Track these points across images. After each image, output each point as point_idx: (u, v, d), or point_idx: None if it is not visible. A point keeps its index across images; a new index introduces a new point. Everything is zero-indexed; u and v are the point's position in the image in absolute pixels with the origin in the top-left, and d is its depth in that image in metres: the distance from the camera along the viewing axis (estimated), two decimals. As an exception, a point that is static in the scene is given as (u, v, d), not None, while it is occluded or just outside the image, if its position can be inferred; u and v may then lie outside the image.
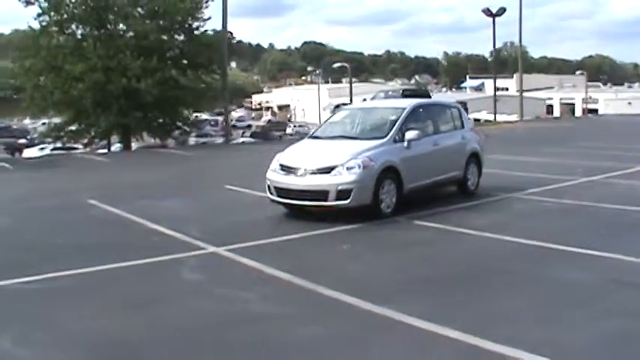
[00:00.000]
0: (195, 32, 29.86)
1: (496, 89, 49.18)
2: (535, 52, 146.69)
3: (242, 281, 7.35)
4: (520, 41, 48.31)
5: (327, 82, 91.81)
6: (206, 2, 29.74)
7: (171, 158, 24.63)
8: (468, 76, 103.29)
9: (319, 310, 6.39)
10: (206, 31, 30.32)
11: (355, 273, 7.67)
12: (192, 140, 42.84)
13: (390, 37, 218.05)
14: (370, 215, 10.32)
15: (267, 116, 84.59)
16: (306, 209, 10.76)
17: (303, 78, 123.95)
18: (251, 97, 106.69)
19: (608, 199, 12.06)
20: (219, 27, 30.73)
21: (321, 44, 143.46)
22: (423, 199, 11.43)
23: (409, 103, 12.08)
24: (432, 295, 6.73)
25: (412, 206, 10.96)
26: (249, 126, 71.85)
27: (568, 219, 10.58)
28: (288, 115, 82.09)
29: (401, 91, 32.17)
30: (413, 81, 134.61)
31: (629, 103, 62.02)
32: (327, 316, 6.18)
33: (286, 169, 10.75)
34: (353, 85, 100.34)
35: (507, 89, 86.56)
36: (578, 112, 77.53)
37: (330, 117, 12.44)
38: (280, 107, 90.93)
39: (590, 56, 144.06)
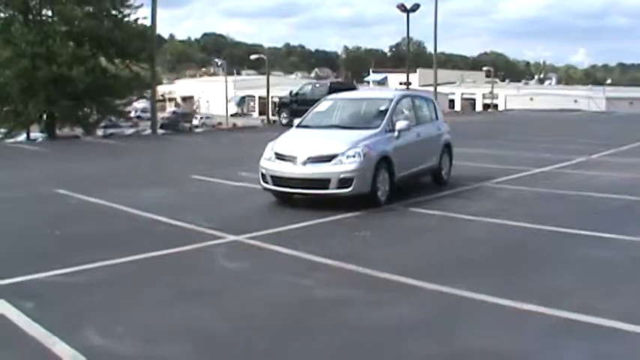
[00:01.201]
0: (125, 20, 28.98)
1: (408, 83, 50.26)
2: (433, 48, 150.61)
3: (290, 268, 7.32)
4: (435, 37, 49.48)
5: (232, 74, 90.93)
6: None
7: (109, 149, 23.66)
8: (371, 70, 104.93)
9: (388, 292, 6.49)
10: (137, 19, 29.50)
11: (392, 257, 7.80)
12: (99, 131, 41.40)
13: (289, 30, 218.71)
14: (366, 203, 10.44)
15: (171, 107, 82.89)
16: (294, 197, 10.86)
17: (204, 69, 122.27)
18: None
19: (575, 187, 12.79)
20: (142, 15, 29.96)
21: (221, 36, 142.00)
22: (402, 189, 11.59)
23: (394, 94, 12.32)
24: (486, 275, 6.98)
25: (399, 195, 11.15)
26: (130, 117, 69.73)
27: (555, 205, 11.12)
28: (194, 107, 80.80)
29: (328, 84, 32.69)
30: (313, 74, 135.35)
31: (531, 99, 65.03)
32: (401, 298, 6.29)
33: (283, 158, 10.70)
34: (256, 77, 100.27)
35: (411, 83, 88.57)
36: (479, 107, 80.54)
37: (315, 107, 12.45)
38: (184, 99, 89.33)
39: (486, 53, 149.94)
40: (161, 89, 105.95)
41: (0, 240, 8.73)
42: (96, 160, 19.16)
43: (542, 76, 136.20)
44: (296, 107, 32.19)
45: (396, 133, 11.25)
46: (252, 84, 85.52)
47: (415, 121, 12.08)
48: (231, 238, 8.61)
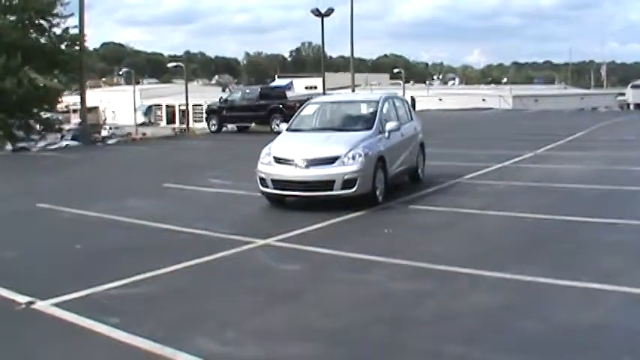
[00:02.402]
0: (53, 30, 28.00)
1: (325, 88, 50.71)
2: (332, 52, 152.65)
3: (345, 266, 7.50)
4: (352, 41, 50.28)
5: (137, 83, 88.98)
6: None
7: (53, 161, 22.63)
8: (276, 76, 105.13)
9: (456, 281, 6.81)
10: (67, 28, 28.48)
11: (433, 250, 8.10)
12: (8, 146, 39.54)
13: (188, 38, 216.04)
14: (364, 203, 10.66)
15: (76, 119, 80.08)
16: (286, 201, 11.09)
17: (104, 79, 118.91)
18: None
19: (545, 179, 13.58)
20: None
21: (120, 45, 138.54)
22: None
23: (379, 96, 12.64)
24: (532, 261, 7.39)
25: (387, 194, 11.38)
26: (61, 129, 67.42)
27: (543, 196, 11.77)
28: (104, 118, 78.53)
29: (259, 90, 32.71)
30: (214, 81, 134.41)
31: (440, 99, 67.00)
32: (472, 286, 6.63)
33: (283, 161, 10.79)
34: (162, 86, 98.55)
35: (316, 87, 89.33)
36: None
37: (301, 111, 12.58)
38: (89, 109, 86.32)
39: (385, 55, 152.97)
40: (65, 100, 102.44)
41: (23, 256, 8.38)
42: (47, 173, 18.38)
43: (441, 76, 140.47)
44: (226, 114, 32.04)
45: (386, 134, 11.58)
46: (157, 93, 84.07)
47: (398, 122, 12.42)
48: (261, 242, 8.65)
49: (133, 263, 7.71)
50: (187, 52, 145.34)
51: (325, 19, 45.34)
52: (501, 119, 41.09)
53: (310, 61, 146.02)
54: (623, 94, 75.02)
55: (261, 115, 30.44)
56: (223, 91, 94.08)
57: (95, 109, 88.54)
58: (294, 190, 10.69)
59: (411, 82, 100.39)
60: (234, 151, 23.29)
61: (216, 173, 16.05)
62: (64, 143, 45.90)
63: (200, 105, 70.66)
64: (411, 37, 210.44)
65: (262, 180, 10.98)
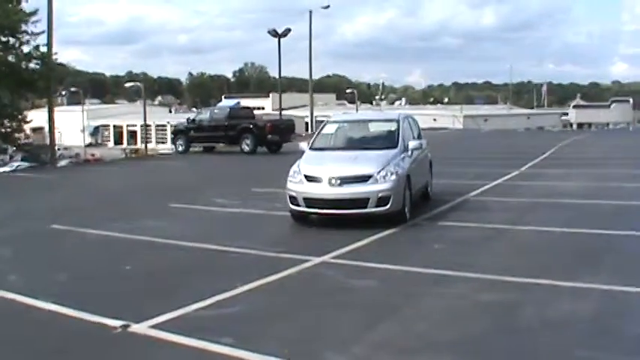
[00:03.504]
0: (23, 48, 27.38)
1: (281, 108, 50.81)
2: (275, 72, 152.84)
3: (419, 281, 7.66)
4: (310, 61, 50.64)
5: (79, 103, 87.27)
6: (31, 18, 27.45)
7: (32, 183, 22.04)
8: (223, 96, 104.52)
9: (537, 292, 7.03)
10: (38, 46, 27.88)
11: (494, 263, 8.33)
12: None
13: (130, 58, 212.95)
14: (395, 220, 10.78)
15: (21, 140, 77.90)
16: (310, 219, 11.20)
17: (45, 100, 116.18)
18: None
19: (548, 195, 14.04)
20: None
21: (61, 64, 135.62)
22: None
23: (396, 115, 12.84)
24: (595, 271, 7.71)
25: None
26: (6, 149, 65.52)
27: (559, 212, 12.13)
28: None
29: (228, 110, 32.60)
30: (157, 101, 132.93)
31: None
32: (556, 295, 6.85)
33: (315, 180, 10.83)
34: (110, 106, 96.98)
35: (264, 108, 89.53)
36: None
37: (321, 130, 12.65)
38: (34, 129, 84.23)
39: (328, 76, 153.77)
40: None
41: (77, 278, 8.17)
42: (34, 195, 17.87)
43: (383, 96, 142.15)
44: (194, 134, 31.76)
45: (409, 152, 11.75)
46: (104, 113, 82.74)
47: (420, 141, 12.63)
48: (317, 259, 8.67)
49: (201, 284, 7.66)
50: (130, 72, 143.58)
51: (267, 40, 45.44)
52: (463, 138, 42.01)
53: (254, 81, 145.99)
54: (567, 114, 77.62)
55: (231, 136, 30.30)
56: (170, 112, 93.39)
57: (40, 129, 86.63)
58: (327, 208, 10.74)
59: (359, 102, 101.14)
60: (217, 171, 23.16)
61: (214, 193, 15.94)
62: (14, 164, 44.65)
63: (149, 125, 69.97)
64: (353, 57, 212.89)
65: (293, 198, 10.99)
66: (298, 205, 10.97)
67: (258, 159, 28.06)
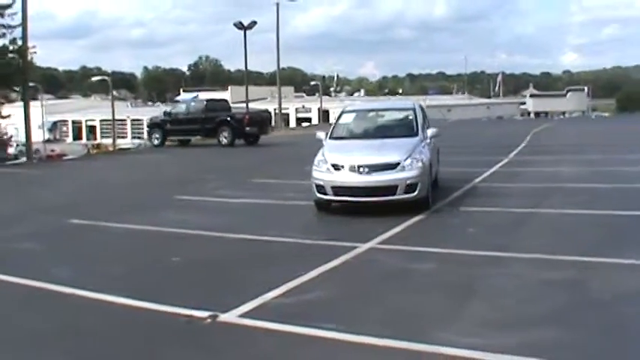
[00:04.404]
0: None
1: (247, 100, 50.56)
2: (230, 65, 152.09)
3: (478, 262, 7.85)
4: (278, 53, 50.53)
5: (34, 99, 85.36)
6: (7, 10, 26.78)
7: (20, 178, 21.59)
8: (182, 90, 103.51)
9: (594, 269, 7.30)
10: (15, 39, 27.18)
11: (537, 244, 8.54)
12: None
13: (84, 52, 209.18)
14: (419, 207, 10.97)
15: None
16: (332, 206, 11.30)
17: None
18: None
19: (554, 180, 14.47)
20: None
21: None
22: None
23: (411, 104, 13.03)
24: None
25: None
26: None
27: (574, 196, 12.50)
28: (8, 135, 74.70)
29: (204, 102, 32.44)
30: (111, 96, 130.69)
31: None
32: (616, 271, 7.16)
33: (344, 168, 10.94)
34: (66, 101, 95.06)
35: (226, 101, 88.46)
36: (292, 123, 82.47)
37: (338, 119, 12.75)
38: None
39: (283, 68, 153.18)
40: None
41: (134, 272, 8.13)
42: (30, 190, 17.58)
43: (339, 88, 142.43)
44: (170, 127, 31.53)
45: (428, 140, 11.94)
46: (61, 108, 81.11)
47: (437, 129, 12.84)
48: (365, 245, 8.79)
49: (263, 273, 7.72)
50: (84, 67, 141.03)
51: (221, 33, 45.21)
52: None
53: (209, 74, 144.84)
54: (524, 103, 79.12)
55: (208, 128, 30.19)
56: (128, 106, 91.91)
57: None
58: (356, 196, 10.85)
59: (317, 94, 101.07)
60: (204, 164, 23.05)
61: (214, 185, 15.99)
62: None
63: (108, 120, 68.96)
64: (306, 49, 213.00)
65: (320, 187, 11.07)
66: (326, 194, 11.06)
67: (238, 151, 28.00)
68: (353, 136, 12.25)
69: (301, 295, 6.77)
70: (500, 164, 18.07)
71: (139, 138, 61.02)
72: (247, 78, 52.35)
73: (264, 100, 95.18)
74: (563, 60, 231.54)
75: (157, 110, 71.56)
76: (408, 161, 10.90)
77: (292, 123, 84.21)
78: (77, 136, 74.94)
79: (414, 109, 12.55)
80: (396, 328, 5.60)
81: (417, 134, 11.86)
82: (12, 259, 8.99)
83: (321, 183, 11.08)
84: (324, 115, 73.11)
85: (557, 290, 6.57)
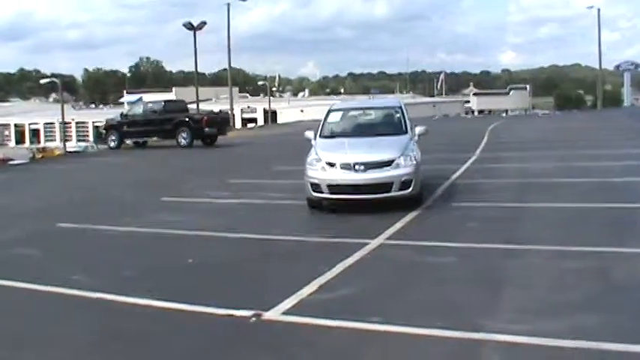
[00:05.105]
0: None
1: (198, 101, 50.19)
2: (171, 67, 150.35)
3: (494, 255, 8.14)
4: (229, 55, 50.20)
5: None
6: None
7: None
8: (125, 92, 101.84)
9: (610, 258, 7.63)
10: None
11: (545, 236, 8.90)
12: None
13: (20, 55, 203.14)
14: (411, 203, 11.20)
15: None
16: (323, 204, 11.40)
17: None
18: None
19: (530, 176, 14.94)
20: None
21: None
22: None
23: (396, 102, 13.27)
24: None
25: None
26: None
27: (557, 190, 12.88)
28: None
29: (163, 103, 32.09)
30: (51, 99, 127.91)
31: (302, 111, 68.30)
32: (634, 261, 7.49)
33: (340, 166, 11.08)
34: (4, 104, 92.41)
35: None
36: (238, 123, 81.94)
37: (326, 118, 12.83)
38: None
39: (225, 69, 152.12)
40: None
41: (152, 273, 8.06)
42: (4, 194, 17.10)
43: (281, 88, 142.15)
44: (127, 129, 31.10)
45: (416, 137, 12.18)
46: (2, 112, 79.05)
47: (425, 127, 13.04)
48: (374, 242, 8.94)
49: (286, 271, 7.87)
50: (21, 69, 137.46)
51: (160, 34, 44.94)
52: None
53: (150, 76, 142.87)
54: (468, 102, 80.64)
55: (167, 129, 29.90)
56: (73, 108, 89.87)
57: None
58: (352, 194, 10.99)
59: (262, 94, 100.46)
60: (172, 165, 22.82)
61: (193, 185, 16.02)
62: None
63: (52, 123, 67.39)
64: (247, 50, 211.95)
65: (315, 185, 11.16)
66: (321, 192, 11.16)
67: (199, 152, 27.81)
68: (343, 134, 12.38)
69: (335, 290, 6.87)
70: (470, 161, 18.43)
71: (84, 141, 59.81)
72: (197, 79, 52.02)
73: (209, 102, 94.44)
74: (502, 59, 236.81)
75: (103, 113, 70.39)
76: (402, 158, 11.10)
77: (238, 124, 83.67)
78: (20, 140, 73.02)
79: (400, 107, 12.78)
80: (444, 319, 5.76)
81: (406, 132, 12.08)
82: (17, 265, 8.81)
83: (317, 181, 11.16)
84: (273, 115, 72.95)
85: (583, 279, 6.86)
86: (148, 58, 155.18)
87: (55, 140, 63.82)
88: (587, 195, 11.99)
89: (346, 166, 11.05)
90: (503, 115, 70.93)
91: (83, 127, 67.33)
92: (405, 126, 12.23)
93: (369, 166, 10.99)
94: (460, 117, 64.67)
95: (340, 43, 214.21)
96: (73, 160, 29.76)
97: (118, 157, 27.10)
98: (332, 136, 12.33)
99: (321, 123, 12.84)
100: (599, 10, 64.12)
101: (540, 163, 17.29)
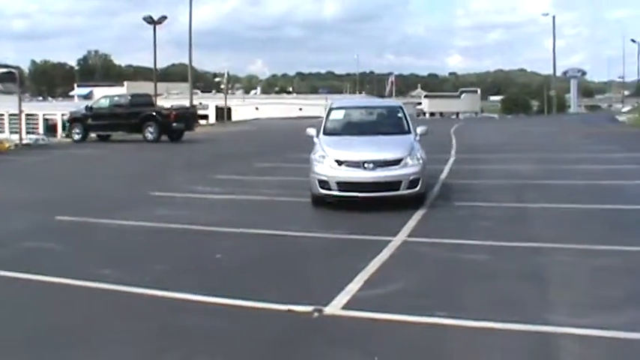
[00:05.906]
0: None
1: (156, 95, 49.45)
2: (120, 60, 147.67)
3: (520, 253, 8.35)
4: (190, 51, 49.67)
5: None
6: None
7: None
8: (76, 85, 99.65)
9: (632, 255, 7.98)
10: None
11: (560, 235, 9.10)
12: None
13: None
14: (417, 202, 11.38)
15: None
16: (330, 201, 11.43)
17: None
18: None
19: (518, 177, 15.24)
20: None
21: None
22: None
23: (396, 102, 13.44)
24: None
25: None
26: None
27: (549, 192, 13.22)
28: None
29: (129, 97, 31.68)
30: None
31: (257, 109, 68.04)
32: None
33: (349, 164, 11.18)
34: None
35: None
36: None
37: (328, 115, 12.90)
38: None
39: (174, 64, 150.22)
40: None
41: (178, 270, 7.94)
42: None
43: (230, 85, 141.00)
44: (92, 122, 30.55)
45: (418, 137, 12.37)
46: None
47: (426, 127, 13.20)
48: (398, 239, 9.03)
49: (324, 266, 7.90)
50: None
51: (109, 27, 44.38)
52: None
53: (99, 69, 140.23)
54: (420, 104, 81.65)
55: (133, 123, 29.51)
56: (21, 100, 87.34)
57: None
58: (361, 192, 11.08)
59: (213, 91, 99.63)
60: (148, 160, 22.52)
61: (179, 180, 15.91)
62: None
63: (2, 115, 65.46)
64: (196, 46, 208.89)
65: (323, 182, 11.21)
66: (330, 189, 11.21)
67: (168, 147, 27.58)
68: (347, 132, 12.49)
69: (383, 286, 6.93)
70: (450, 162, 18.74)
71: (34, 133, 58.32)
72: (156, 74, 51.23)
73: (160, 97, 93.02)
74: (449, 62, 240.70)
75: (52, 105, 68.56)
76: (409, 158, 11.27)
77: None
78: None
79: (401, 107, 12.98)
80: (509, 314, 5.90)
81: (409, 132, 12.27)
82: (40, 259, 8.51)
83: (325, 178, 11.22)
84: (228, 112, 72.32)
85: (620, 275, 7.16)
86: (96, 51, 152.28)
87: (3, 132, 61.96)
88: (586, 197, 12.46)
89: (355, 164, 11.15)
90: (454, 117, 72.26)
91: (32, 119, 65.47)
92: (408, 126, 12.40)
93: (378, 164, 11.13)
94: (415, 118, 65.35)
95: (289, 42, 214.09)
96: (34, 152, 28.93)
97: (85, 150, 26.56)
98: (336, 133, 12.40)
99: (324, 120, 12.91)
100: (554, 17, 65.88)
101: (521, 165, 17.73)
